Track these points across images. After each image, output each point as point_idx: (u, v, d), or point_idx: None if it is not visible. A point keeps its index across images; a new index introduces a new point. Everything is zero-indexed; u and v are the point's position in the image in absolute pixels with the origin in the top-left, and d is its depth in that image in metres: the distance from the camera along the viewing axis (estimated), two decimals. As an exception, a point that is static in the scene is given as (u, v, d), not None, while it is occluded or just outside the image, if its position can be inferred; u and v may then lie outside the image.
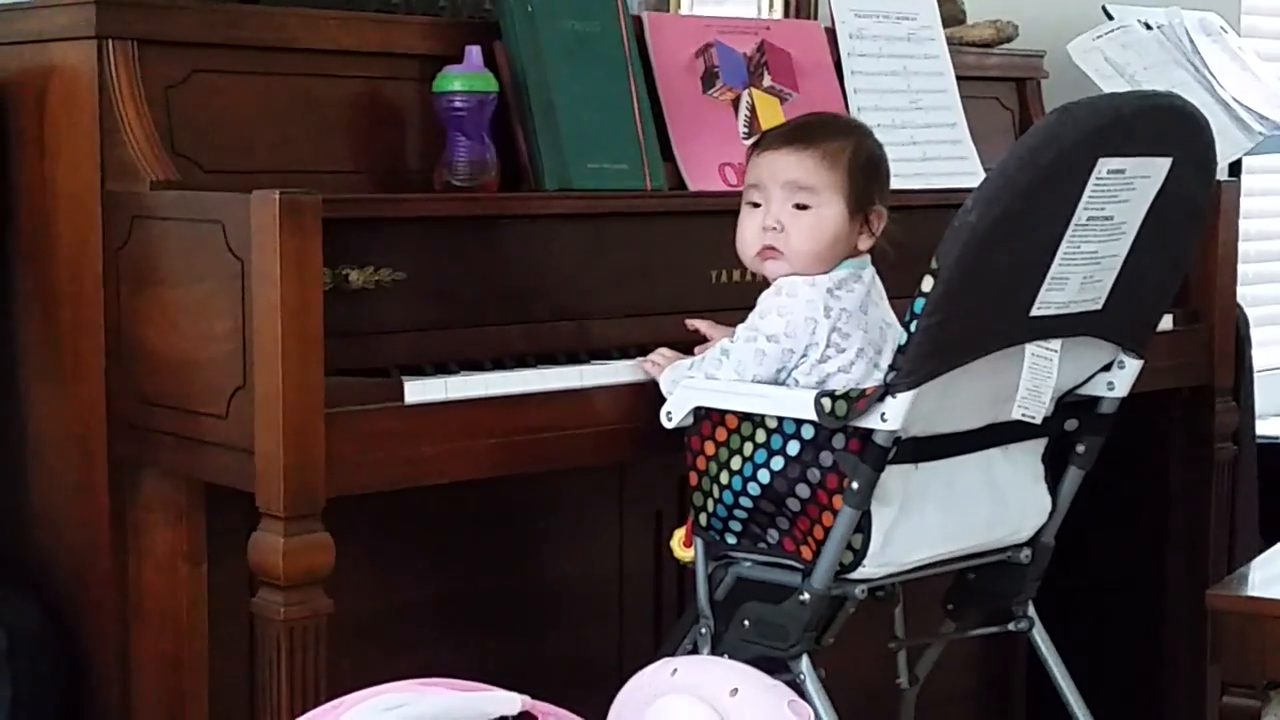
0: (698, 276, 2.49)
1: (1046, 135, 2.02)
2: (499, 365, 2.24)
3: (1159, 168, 2.12)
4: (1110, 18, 3.45)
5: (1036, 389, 2.15)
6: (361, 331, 2.16)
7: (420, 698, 1.66)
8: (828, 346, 2.18)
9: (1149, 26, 3.48)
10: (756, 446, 2.16)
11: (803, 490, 2.13)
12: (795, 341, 2.18)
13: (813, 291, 2.20)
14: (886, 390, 2.05)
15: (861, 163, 2.24)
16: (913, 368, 2.03)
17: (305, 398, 1.97)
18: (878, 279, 2.27)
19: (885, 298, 2.27)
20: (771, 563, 2.22)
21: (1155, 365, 2.47)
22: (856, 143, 2.26)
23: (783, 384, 2.19)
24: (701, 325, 2.37)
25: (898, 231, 2.28)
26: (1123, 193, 2.10)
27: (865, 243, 2.25)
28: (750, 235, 2.25)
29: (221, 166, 2.26)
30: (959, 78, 3.04)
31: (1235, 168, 3.57)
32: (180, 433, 2.12)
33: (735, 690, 1.78)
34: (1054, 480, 2.36)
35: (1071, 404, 2.33)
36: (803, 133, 2.28)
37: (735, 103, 2.70)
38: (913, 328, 2.02)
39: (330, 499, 2.01)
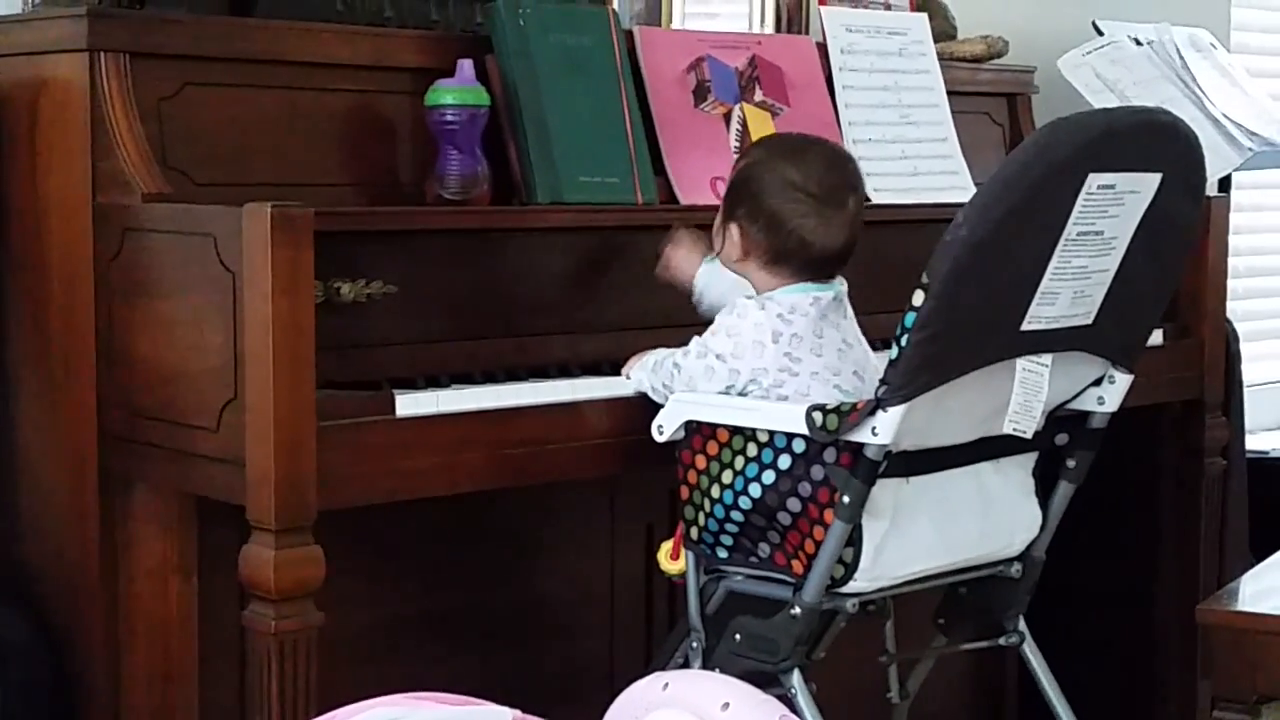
0: (689, 290, 2.49)
1: (1037, 150, 2.02)
2: (490, 378, 2.24)
3: (1149, 183, 2.13)
4: (1100, 33, 3.46)
5: (1027, 403, 2.15)
6: (353, 344, 2.16)
7: (412, 712, 1.66)
8: (779, 371, 2.18)
9: (1139, 42, 3.49)
10: (747, 460, 2.16)
11: (794, 504, 2.13)
12: (741, 363, 2.19)
13: (761, 315, 2.20)
14: (877, 404, 2.05)
15: (736, 178, 2.28)
16: (903, 382, 2.03)
17: (296, 411, 1.97)
18: (844, 300, 2.27)
19: (850, 317, 2.27)
20: (762, 577, 2.22)
21: (1145, 380, 2.47)
22: (752, 160, 2.27)
23: None
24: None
25: (889, 245, 2.29)
26: (1113, 208, 2.10)
27: (731, 255, 2.26)
28: None
29: (213, 179, 2.26)
30: (950, 92, 3.04)
31: (1225, 183, 3.58)
32: (171, 445, 2.12)
33: (726, 705, 1.77)
34: (1045, 494, 2.36)
35: (1062, 418, 2.33)
36: None
37: (727, 117, 2.71)
38: (903, 342, 2.02)
39: (321, 512, 2.01)
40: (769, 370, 2.19)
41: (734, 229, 2.25)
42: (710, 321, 2.26)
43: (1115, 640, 3.24)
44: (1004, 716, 3.23)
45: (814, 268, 2.23)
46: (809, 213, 2.21)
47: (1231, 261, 3.24)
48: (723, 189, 2.58)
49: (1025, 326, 2.11)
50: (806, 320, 2.21)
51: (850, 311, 2.28)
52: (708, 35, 2.79)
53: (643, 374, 2.28)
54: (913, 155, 2.94)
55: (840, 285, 2.26)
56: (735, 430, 2.18)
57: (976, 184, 2.89)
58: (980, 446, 2.23)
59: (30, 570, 2.35)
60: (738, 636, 2.20)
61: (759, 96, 2.75)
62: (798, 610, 2.15)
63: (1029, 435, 2.19)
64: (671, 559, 2.30)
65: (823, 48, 2.91)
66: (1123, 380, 2.32)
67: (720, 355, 2.21)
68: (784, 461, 2.14)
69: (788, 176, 2.22)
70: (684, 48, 2.71)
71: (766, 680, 2.11)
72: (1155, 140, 2.13)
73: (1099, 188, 2.06)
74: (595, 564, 2.63)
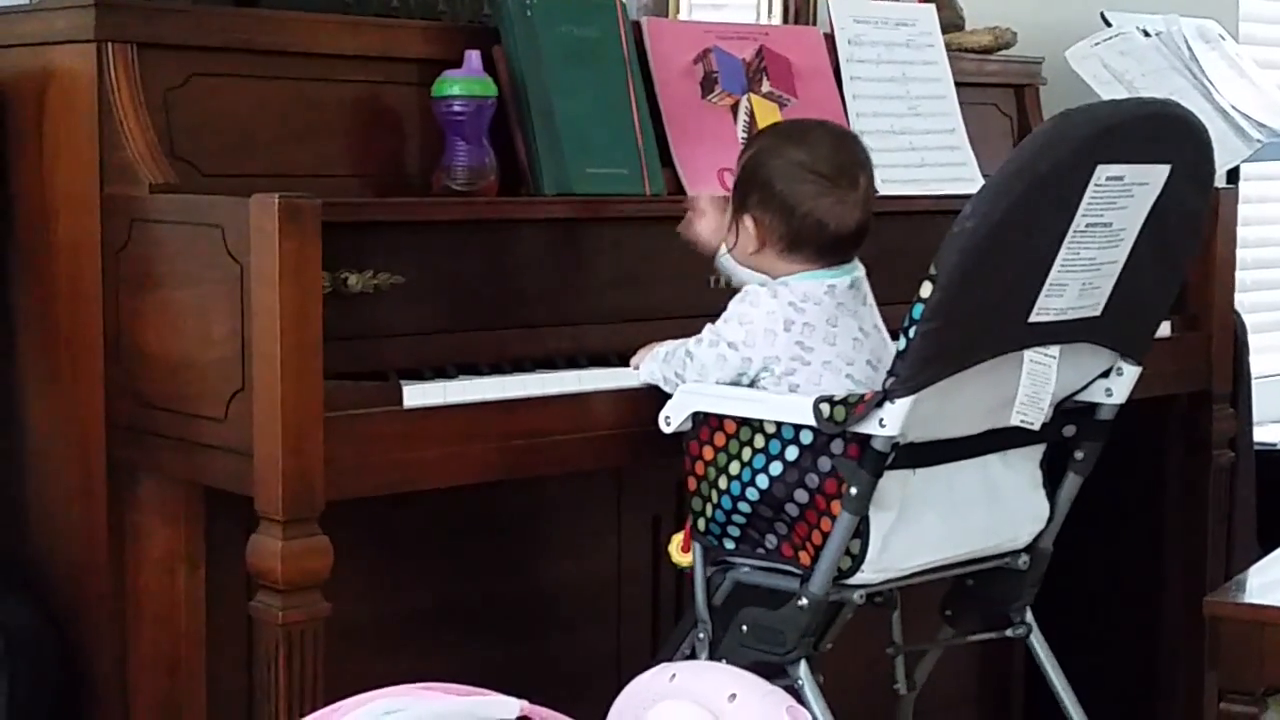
0: (695, 282, 2.49)
1: (1045, 142, 2.02)
2: (497, 370, 2.24)
3: (1157, 175, 2.12)
4: (1109, 24, 3.46)
5: (1035, 395, 2.15)
6: (360, 335, 2.16)
7: (418, 702, 1.66)
8: (791, 359, 2.18)
9: (1147, 33, 3.49)
10: (755, 451, 2.16)
11: (801, 495, 2.13)
12: (754, 351, 2.19)
13: (774, 303, 2.20)
14: (885, 396, 2.05)
15: (744, 169, 2.26)
16: (911, 373, 2.03)
17: (304, 401, 1.97)
18: (864, 285, 2.26)
19: (870, 303, 2.26)
20: (770, 568, 2.22)
21: (1153, 371, 2.47)
22: (759, 148, 2.26)
23: None
24: None
25: (896, 237, 2.29)
26: (1121, 199, 2.10)
27: (747, 248, 2.25)
28: None
29: (220, 170, 2.26)
30: (957, 84, 3.04)
31: (1233, 175, 3.58)
32: (179, 436, 2.12)
33: (733, 696, 1.78)
34: (1052, 486, 2.36)
35: (1070, 410, 2.33)
36: None
37: (734, 108, 2.71)
38: (911, 333, 2.02)
39: (329, 502, 2.01)
40: (781, 358, 2.18)
41: (747, 220, 2.24)
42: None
43: (1122, 632, 3.24)
44: (1010, 707, 3.23)
45: (830, 251, 2.22)
46: (822, 193, 2.20)
47: (1239, 253, 3.23)
48: (730, 180, 2.59)
49: (1033, 318, 2.11)
50: (820, 309, 2.20)
51: (870, 297, 2.26)
52: (715, 26, 2.78)
53: (653, 365, 2.28)
54: (920, 146, 2.94)
55: (857, 270, 2.25)
56: (742, 421, 2.18)
57: (984, 175, 2.89)
58: (988, 438, 2.23)
59: (38, 560, 2.35)
60: (744, 628, 2.20)
61: (766, 87, 2.75)
62: (805, 601, 2.15)
63: (1036, 427, 2.19)
64: (683, 551, 2.30)
65: (830, 38, 2.90)
66: (1131, 372, 2.32)
67: (732, 343, 2.20)
68: (791, 453, 2.13)
69: (796, 159, 2.21)
70: (691, 39, 2.71)
71: (773, 671, 2.11)
72: (1164, 132, 2.13)
73: (1108, 179, 2.06)
74: (602, 555, 2.64)
